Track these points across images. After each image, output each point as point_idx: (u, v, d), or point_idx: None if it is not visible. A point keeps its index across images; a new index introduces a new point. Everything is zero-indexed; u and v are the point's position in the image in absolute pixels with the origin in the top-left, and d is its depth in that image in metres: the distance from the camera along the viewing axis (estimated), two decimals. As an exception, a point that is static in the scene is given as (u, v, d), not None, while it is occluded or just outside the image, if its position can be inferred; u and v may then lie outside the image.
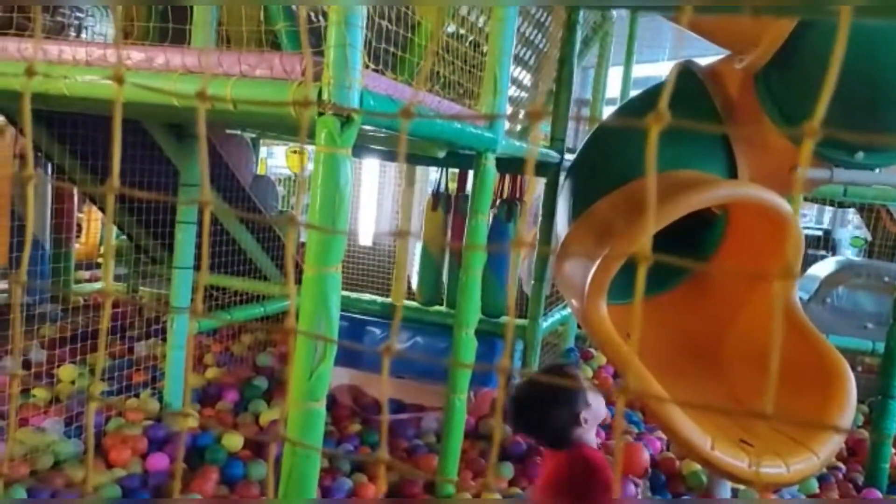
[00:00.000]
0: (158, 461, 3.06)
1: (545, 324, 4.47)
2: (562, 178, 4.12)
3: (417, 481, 3.18)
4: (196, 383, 3.99)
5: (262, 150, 8.52)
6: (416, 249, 5.33)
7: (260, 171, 6.57)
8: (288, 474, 1.86)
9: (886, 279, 4.96)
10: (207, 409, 3.71)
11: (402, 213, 5.44)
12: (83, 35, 3.29)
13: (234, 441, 3.26)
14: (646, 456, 3.50)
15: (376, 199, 7.39)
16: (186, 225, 3.39)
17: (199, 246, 3.55)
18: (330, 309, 1.78)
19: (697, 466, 3.46)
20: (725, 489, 3.42)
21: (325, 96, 1.73)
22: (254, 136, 5.44)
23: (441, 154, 2.91)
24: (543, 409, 1.86)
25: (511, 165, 3.63)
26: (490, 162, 2.88)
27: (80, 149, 3.77)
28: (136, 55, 2.05)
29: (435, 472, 3.16)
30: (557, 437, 1.91)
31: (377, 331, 4.38)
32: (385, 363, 0.69)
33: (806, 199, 5.68)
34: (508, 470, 3.39)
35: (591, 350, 5.25)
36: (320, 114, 1.72)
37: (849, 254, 7.45)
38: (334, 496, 3.00)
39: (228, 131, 4.29)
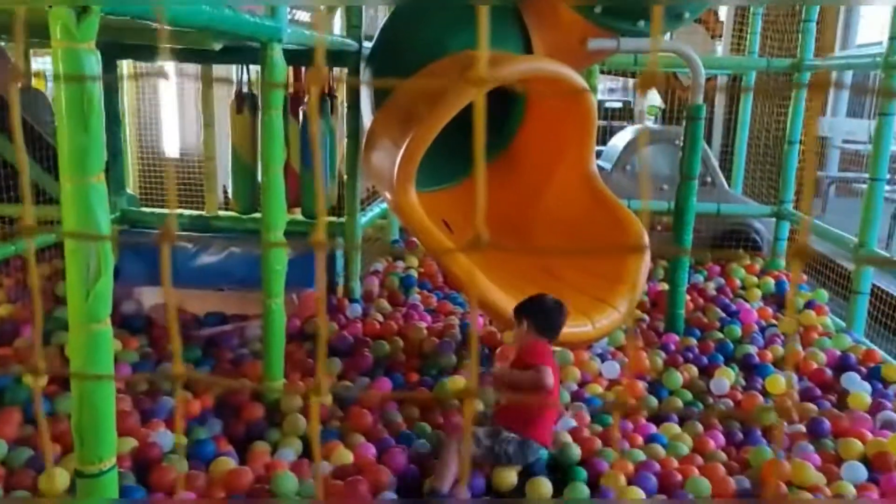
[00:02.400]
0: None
1: (364, 219, 4.45)
2: (362, 67, 4.00)
3: (244, 391, 3.13)
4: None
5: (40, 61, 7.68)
6: (228, 156, 5.06)
7: (38, 84, 5.92)
8: (79, 402, 1.75)
9: (677, 142, 5.31)
10: (3, 348, 3.43)
11: (203, 118, 5.13)
12: None
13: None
14: None
15: (177, 107, 6.94)
16: (-58, 150, 3.00)
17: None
18: (98, 222, 1.64)
19: (517, 336, 3.63)
20: (543, 353, 3.63)
21: (52, -17, 1.52)
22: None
23: (217, 46, 2.71)
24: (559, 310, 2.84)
25: (303, 57, 3.47)
26: (277, 53, 2.73)
27: None
28: None
29: (260, 378, 3.12)
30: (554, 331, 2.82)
31: (189, 245, 4.17)
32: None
33: (604, 72, 5.91)
34: (336, 365, 3.41)
35: (416, 240, 5.31)
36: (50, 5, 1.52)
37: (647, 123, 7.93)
38: (156, 417, 2.89)
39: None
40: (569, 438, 2.85)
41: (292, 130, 4.36)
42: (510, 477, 2.61)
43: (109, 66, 4.26)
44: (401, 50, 3.70)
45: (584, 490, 2.57)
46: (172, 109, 7.04)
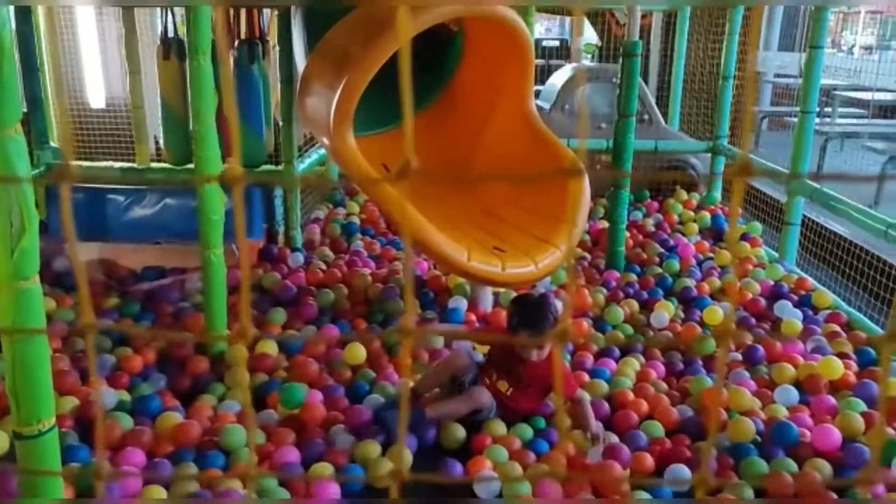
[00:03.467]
0: None
1: (301, 166, 4.36)
2: (293, 9, 3.87)
3: (186, 344, 3.08)
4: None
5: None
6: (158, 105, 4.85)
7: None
8: (11, 362, 1.69)
9: (614, 80, 5.31)
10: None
11: (129, 66, 4.91)
12: None
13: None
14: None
15: (100, 55, 6.62)
16: None
17: None
18: (17, 176, 1.56)
19: (461, 279, 3.64)
20: (487, 295, 3.66)
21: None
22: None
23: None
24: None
25: (232, -2, 3.32)
26: (201, -6, 2.61)
27: None
28: None
29: (203, 331, 3.07)
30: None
31: (120, 198, 4.03)
32: None
33: (542, 11, 5.85)
34: (280, 315, 3.37)
35: (357, 186, 5.25)
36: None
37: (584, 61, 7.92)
38: (97, 375, 2.83)
39: None
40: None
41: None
42: (460, 432, 2.58)
43: (24, 13, 4.03)
44: (333, -11, 3.58)
45: (529, 431, 2.61)
46: (95, 57, 6.72)
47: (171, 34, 4.23)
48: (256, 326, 3.32)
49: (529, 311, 2.62)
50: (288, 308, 3.45)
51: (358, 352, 3.02)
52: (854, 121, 7.60)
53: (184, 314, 3.41)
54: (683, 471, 2.33)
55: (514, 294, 3.32)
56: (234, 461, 2.40)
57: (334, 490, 2.25)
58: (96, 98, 6.81)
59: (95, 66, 6.78)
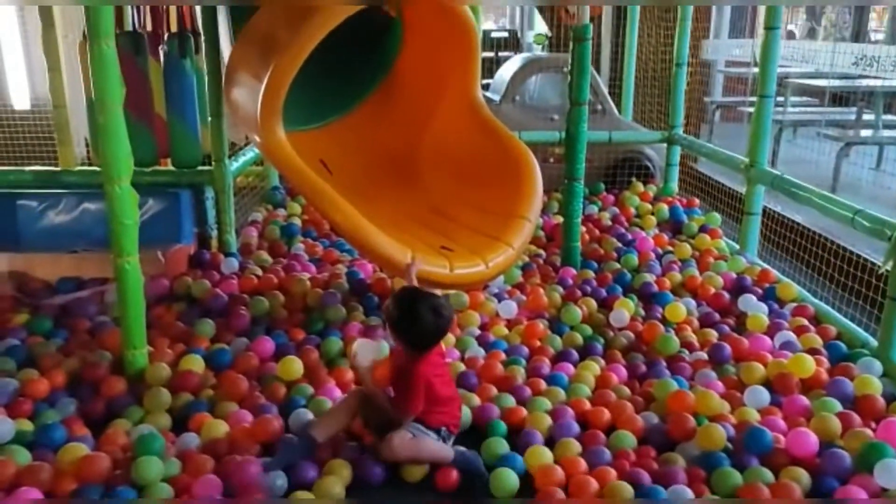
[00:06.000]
0: None
1: (235, 165, 4.05)
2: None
3: (101, 363, 2.77)
4: None
5: None
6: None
7: None
8: None
9: (566, 69, 5.11)
10: None
11: (48, 63, 4.54)
12: None
13: None
14: None
15: (23, 53, 6.22)
16: None
17: None
18: None
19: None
20: (436, 297, 3.41)
21: None
22: None
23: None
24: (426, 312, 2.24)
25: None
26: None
27: None
28: None
29: (119, 347, 2.76)
30: (424, 341, 2.26)
31: (34, 204, 3.69)
32: None
33: None
34: (209, 327, 3.08)
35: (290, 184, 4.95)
36: None
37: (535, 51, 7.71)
38: (-4, 401, 2.51)
39: None
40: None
41: (154, 73, 3.90)
42: (421, 469, 2.30)
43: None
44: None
45: (504, 445, 2.38)
46: (18, 56, 6.32)
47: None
48: (182, 340, 3.02)
49: (396, 306, 2.29)
50: (218, 319, 3.16)
51: (294, 366, 2.74)
52: (808, 109, 7.52)
53: (102, 329, 3.09)
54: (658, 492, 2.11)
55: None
56: (147, 497, 2.10)
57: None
58: (20, 99, 6.42)
59: (19, 65, 6.40)
